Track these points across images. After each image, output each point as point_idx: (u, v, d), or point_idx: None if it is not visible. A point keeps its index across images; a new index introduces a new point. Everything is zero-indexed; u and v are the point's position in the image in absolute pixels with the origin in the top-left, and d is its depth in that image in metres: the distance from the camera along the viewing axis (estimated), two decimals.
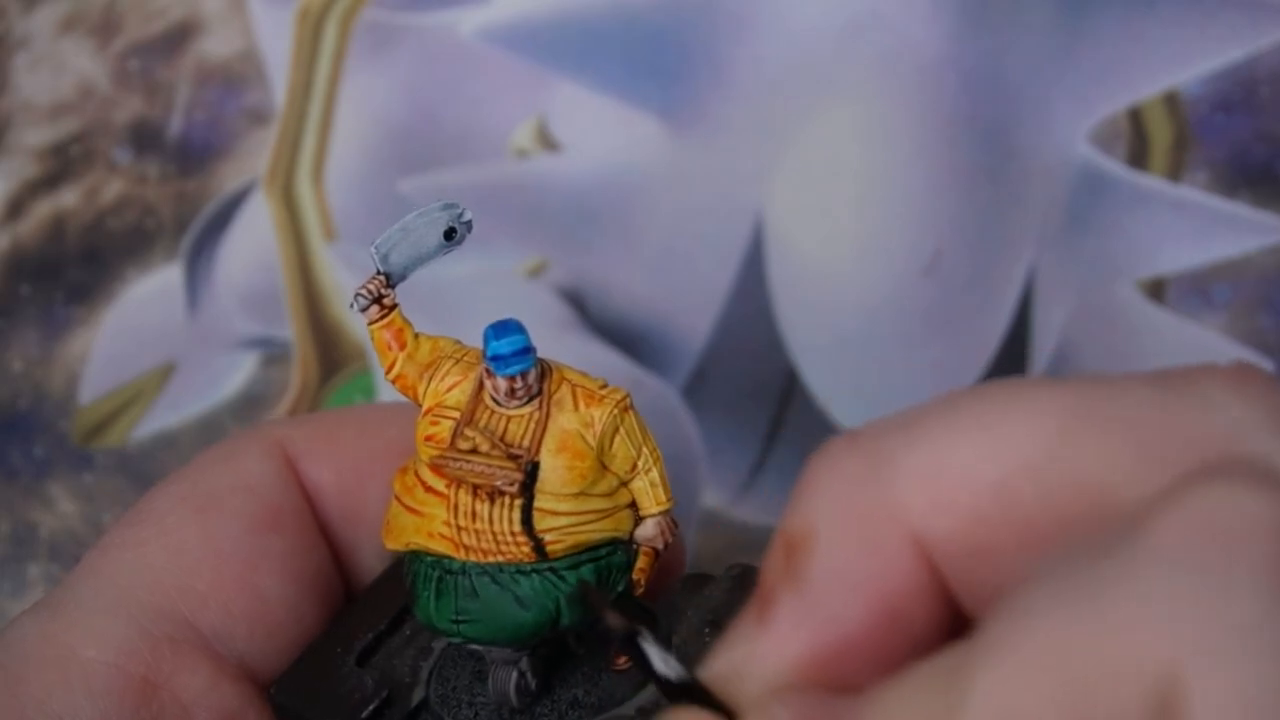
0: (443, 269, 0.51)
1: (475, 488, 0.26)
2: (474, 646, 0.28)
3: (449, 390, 0.27)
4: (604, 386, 0.27)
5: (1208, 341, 0.44)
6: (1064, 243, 0.45)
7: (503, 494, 0.26)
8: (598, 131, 0.48)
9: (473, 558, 0.27)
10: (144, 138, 0.51)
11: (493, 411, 0.27)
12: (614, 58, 0.48)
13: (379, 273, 0.27)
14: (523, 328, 0.26)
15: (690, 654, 0.28)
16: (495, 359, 0.26)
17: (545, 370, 0.27)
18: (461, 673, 0.29)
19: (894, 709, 0.19)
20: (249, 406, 0.49)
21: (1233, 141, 0.45)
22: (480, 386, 0.27)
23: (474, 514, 0.26)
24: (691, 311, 0.47)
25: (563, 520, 0.27)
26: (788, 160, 0.47)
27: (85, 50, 0.53)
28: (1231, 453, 0.19)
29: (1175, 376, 0.20)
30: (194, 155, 0.51)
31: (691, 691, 0.22)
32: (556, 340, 0.47)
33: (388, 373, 0.28)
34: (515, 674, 0.28)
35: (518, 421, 0.27)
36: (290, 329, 0.49)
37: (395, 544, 0.28)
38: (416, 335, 0.28)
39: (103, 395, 0.50)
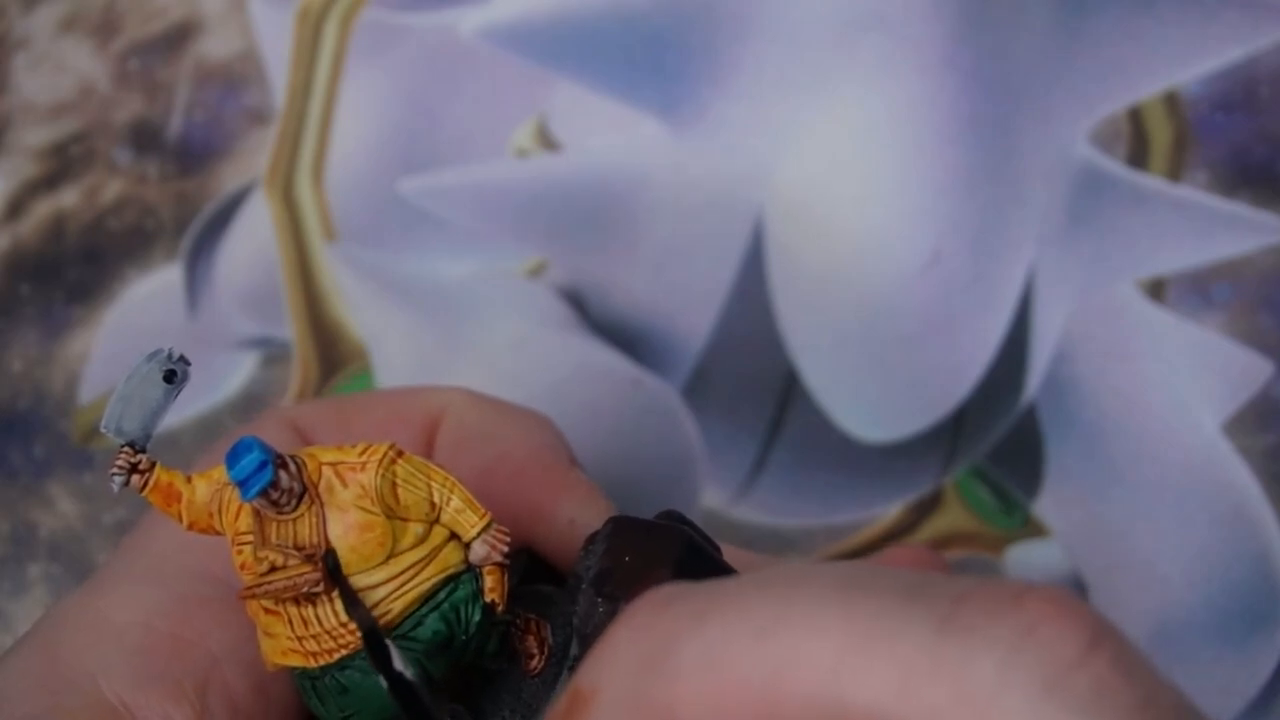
0: (443, 269, 0.51)
1: (291, 601, 0.27)
2: None
3: (236, 517, 0.27)
4: (363, 451, 0.27)
5: (1208, 341, 0.44)
6: (1064, 243, 0.45)
7: (316, 594, 0.26)
8: (598, 131, 0.48)
9: (323, 660, 0.27)
10: (144, 138, 0.51)
11: (279, 522, 0.27)
12: (614, 58, 0.48)
13: (122, 446, 0.27)
14: (254, 443, 0.26)
15: (587, 632, 0.28)
16: (241, 484, 0.26)
17: (299, 465, 0.27)
18: None
19: None
20: (249, 406, 0.49)
21: (1233, 141, 0.45)
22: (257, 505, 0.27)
23: (305, 621, 0.27)
24: (691, 311, 0.47)
25: (383, 590, 0.27)
26: (788, 160, 0.47)
27: (85, 50, 0.53)
28: None
29: (964, 620, 0.20)
30: (194, 155, 0.51)
31: (415, 695, 0.23)
32: (557, 340, 0.47)
33: (181, 526, 0.28)
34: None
35: (302, 523, 0.27)
36: (290, 329, 0.49)
37: (268, 666, 0.28)
38: (189, 478, 0.28)
39: (103, 395, 0.50)
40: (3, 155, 0.53)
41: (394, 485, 0.27)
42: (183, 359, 0.27)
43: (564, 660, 0.28)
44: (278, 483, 0.26)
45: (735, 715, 0.21)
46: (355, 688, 0.27)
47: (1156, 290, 0.45)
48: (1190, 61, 0.45)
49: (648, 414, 0.46)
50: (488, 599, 0.28)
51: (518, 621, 0.29)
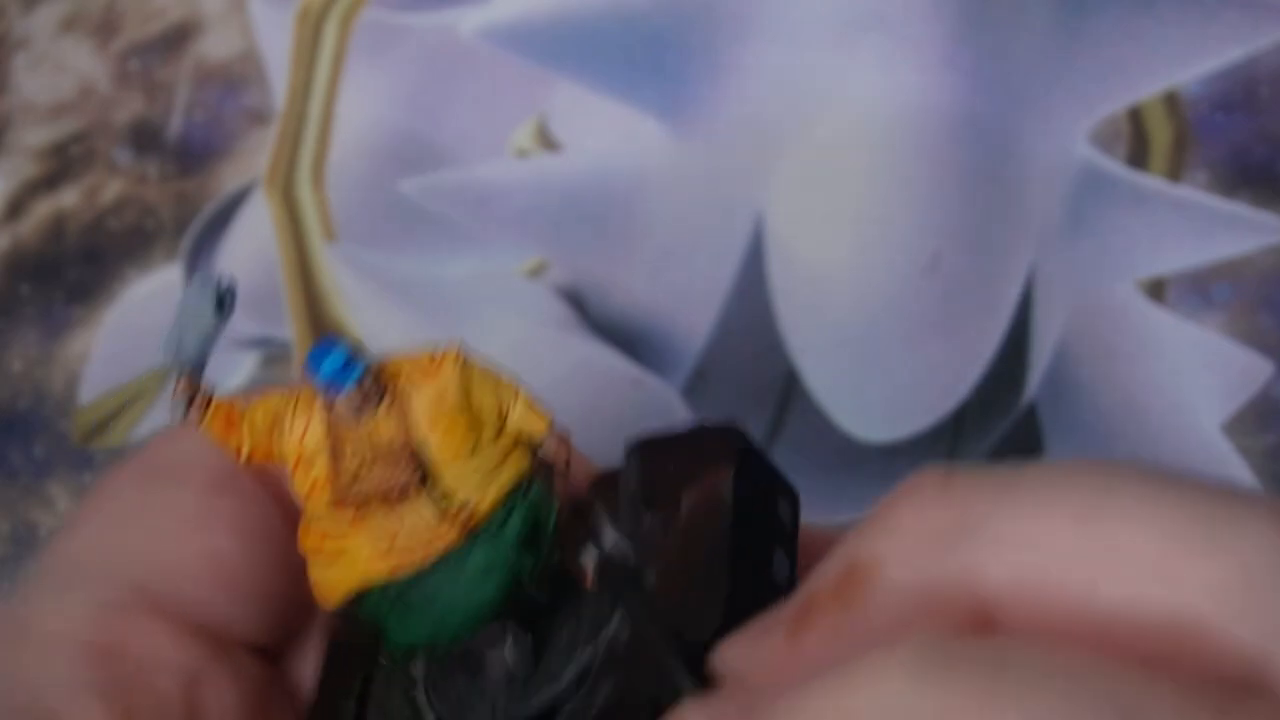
0: (443, 269, 0.51)
1: (381, 502, 0.26)
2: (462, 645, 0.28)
3: (302, 437, 0.27)
4: (433, 355, 0.27)
5: (1208, 341, 0.44)
6: (1064, 243, 0.45)
7: (406, 493, 0.26)
8: (598, 131, 0.48)
9: (415, 560, 0.27)
10: (144, 138, 0.51)
11: (355, 429, 0.27)
12: (614, 58, 0.48)
13: (179, 375, 0.27)
14: (337, 341, 0.26)
15: (628, 531, 0.28)
16: (330, 383, 0.26)
17: (378, 368, 0.27)
18: (455, 680, 0.29)
19: (858, 683, 0.18)
20: None
21: (1233, 141, 0.45)
22: (330, 415, 0.27)
23: (393, 524, 0.26)
24: (691, 311, 0.47)
25: (471, 484, 0.27)
26: (788, 160, 0.47)
27: (85, 50, 0.53)
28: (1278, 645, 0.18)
29: None
30: (194, 155, 0.51)
31: (625, 578, 0.21)
32: (556, 340, 0.47)
33: (238, 457, 0.27)
34: (509, 645, 0.28)
35: (383, 425, 0.27)
36: (290, 329, 0.49)
37: (336, 598, 0.27)
38: (245, 407, 0.27)
39: (103, 395, 0.50)
40: (3, 155, 0.53)
41: (469, 385, 0.27)
42: (231, 287, 0.27)
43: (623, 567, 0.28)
44: (363, 380, 0.26)
45: (1052, 599, 0.19)
46: (447, 593, 0.27)
47: (1156, 290, 0.45)
48: (1190, 61, 0.45)
49: (648, 414, 0.46)
50: (557, 502, 0.28)
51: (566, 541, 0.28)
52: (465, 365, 0.27)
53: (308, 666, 0.34)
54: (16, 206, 0.52)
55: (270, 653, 0.33)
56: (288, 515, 0.33)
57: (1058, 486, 0.20)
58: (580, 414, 0.47)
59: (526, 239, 0.48)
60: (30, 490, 0.49)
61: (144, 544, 0.31)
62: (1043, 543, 0.19)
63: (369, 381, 0.26)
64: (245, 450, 0.27)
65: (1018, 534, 0.19)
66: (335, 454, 0.26)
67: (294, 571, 0.33)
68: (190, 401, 0.27)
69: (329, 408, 0.26)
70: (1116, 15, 0.45)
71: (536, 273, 0.48)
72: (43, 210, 0.52)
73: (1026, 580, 0.19)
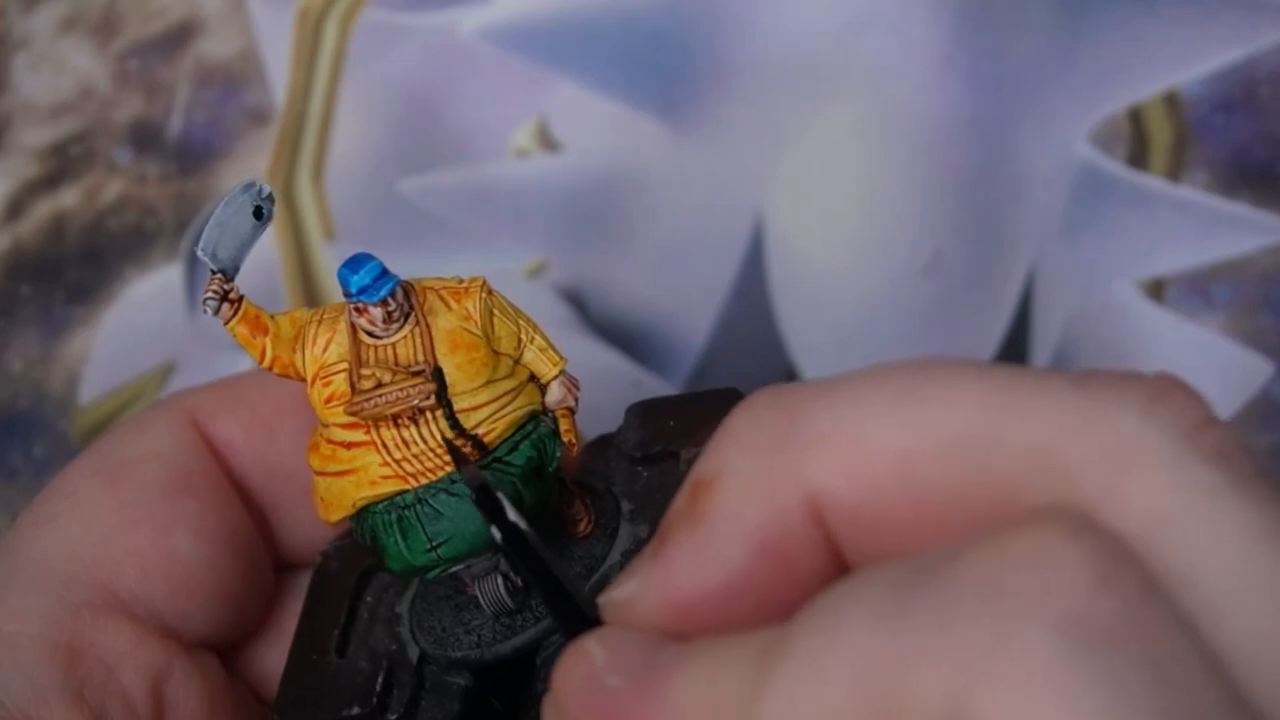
0: (443, 269, 0.51)
1: (395, 419, 0.27)
2: (453, 570, 0.28)
3: (325, 350, 0.27)
4: (460, 281, 0.28)
5: (1208, 341, 0.44)
6: (1064, 243, 0.45)
7: (422, 411, 0.27)
8: (598, 131, 0.48)
9: (423, 481, 0.27)
10: (144, 138, 0.51)
11: (376, 346, 0.27)
12: (614, 58, 0.48)
13: (214, 272, 0.27)
14: (368, 255, 0.27)
15: (623, 489, 0.29)
16: (362, 290, 0.27)
17: (408, 288, 0.28)
18: (441, 615, 0.29)
19: (700, 675, 0.20)
20: None
21: (1233, 141, 0.45)
22: (354, 330, 0.27)
23: (405, 442, 0.27)
24: (691, 311, 0.47)
25: (485, 411, 0.27)
26: (788, 160, 0.47)
27: (85, 50, 0.53)
28: (1082, 495, 0.19)
29: (1096, 383, 0.20)
30: (194, 155, 0.51)
31: (526, 541, 0.22)
32: (556, 340, 0.47)
33: (261, 361, 0.28)
34: (500, 578, 0.28)
35: (403, 344, 0.27)
36: None
37: (339, 513, 0.28)
38: (273, 316, 0.28)
39: (103, 395, 0.50)
40: (3, 155, 0.53)
41: (492, 314, 0.28)
42: (271, 197, 0.28)
43: (618, 516, 0.29)
44: (396, 292, 0.27)
45: (871, 480, 0.21)
46: (451, 513, 0.27)
47: (1156, 290, 0.45)
48: (1190, 61, 0.45)
49: None
50: (566, 439, 0.28)
51: (569, 485, 0.29)
52: (491, 295, 0.28)
53: (265, 660, 0.34)
54: (16, 206, 0.52)
55: (227, 649, 0.33)
56: (255, 510, 0.33)
57: (875, 380, 0.21)
58: (580, 414, 0.47)
59: (526, 239, 0.48)
60: (30, 490, 0.49)
61: (106, 544, 0.31)
62: (863, 431, 0.21)
63: (399, 297, 0.27)
64: (268, 357, 0.28)
65: (840, 427, 0.21)
66: (355, 368, 0.27)
67: (252, 570, 0.33)
68: (223, 300, 0.27)
69: (353, 323, 0.27)
70: (1116, 15, 0.45)
71: (536, 273, 0.48)
72: (43, 210, 0.52)
73: (850, 468, 0.21)
